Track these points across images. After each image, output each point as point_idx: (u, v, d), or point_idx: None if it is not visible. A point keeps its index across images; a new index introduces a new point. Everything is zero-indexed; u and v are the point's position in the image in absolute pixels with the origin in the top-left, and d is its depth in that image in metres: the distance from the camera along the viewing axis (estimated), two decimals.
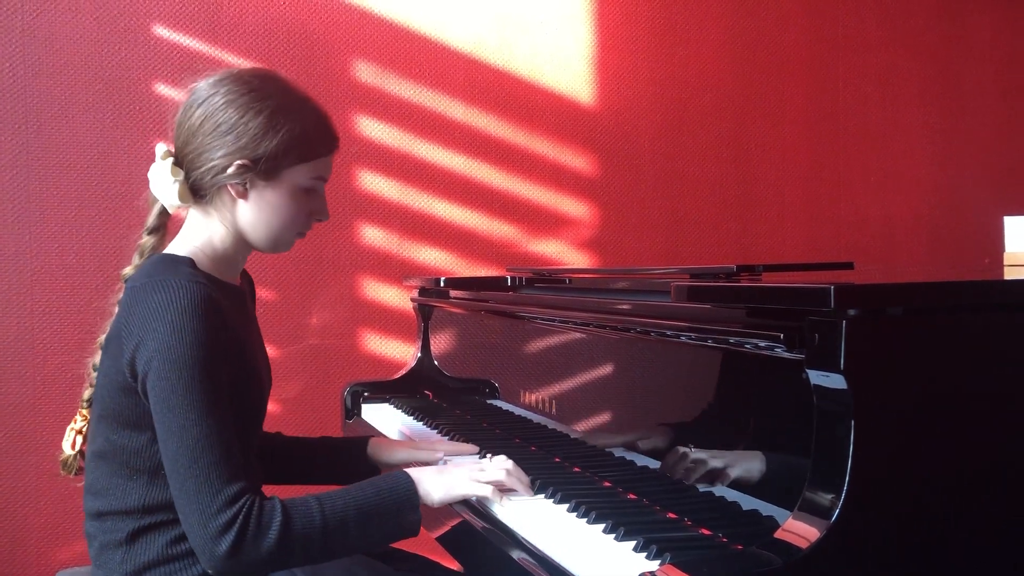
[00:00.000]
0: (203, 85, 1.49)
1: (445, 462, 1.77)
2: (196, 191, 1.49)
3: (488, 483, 1.49)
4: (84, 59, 2.93)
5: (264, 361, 1.62)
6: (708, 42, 3.51)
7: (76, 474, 1.58)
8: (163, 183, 1.48)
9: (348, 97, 3.13)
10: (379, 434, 2.08)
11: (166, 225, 1.56)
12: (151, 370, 1.34)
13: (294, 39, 3.09)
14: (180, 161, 1.49)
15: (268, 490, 1.62)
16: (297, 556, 1.37)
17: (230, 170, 1.45)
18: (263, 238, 1.51)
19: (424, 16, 3.21)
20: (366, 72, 3.16)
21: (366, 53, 3.15)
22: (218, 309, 1.38)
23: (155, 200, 1.53)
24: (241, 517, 1.32)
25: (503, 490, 1.51)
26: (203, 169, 1.46)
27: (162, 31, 2.98)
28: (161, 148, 1.49)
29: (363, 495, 1.42)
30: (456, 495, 1.48)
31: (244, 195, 1.48)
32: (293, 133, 1.46)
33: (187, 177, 1.48)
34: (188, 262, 1.46)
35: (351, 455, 1.80)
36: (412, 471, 1.48)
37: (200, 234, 1.51)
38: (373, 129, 3.16)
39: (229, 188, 1.47)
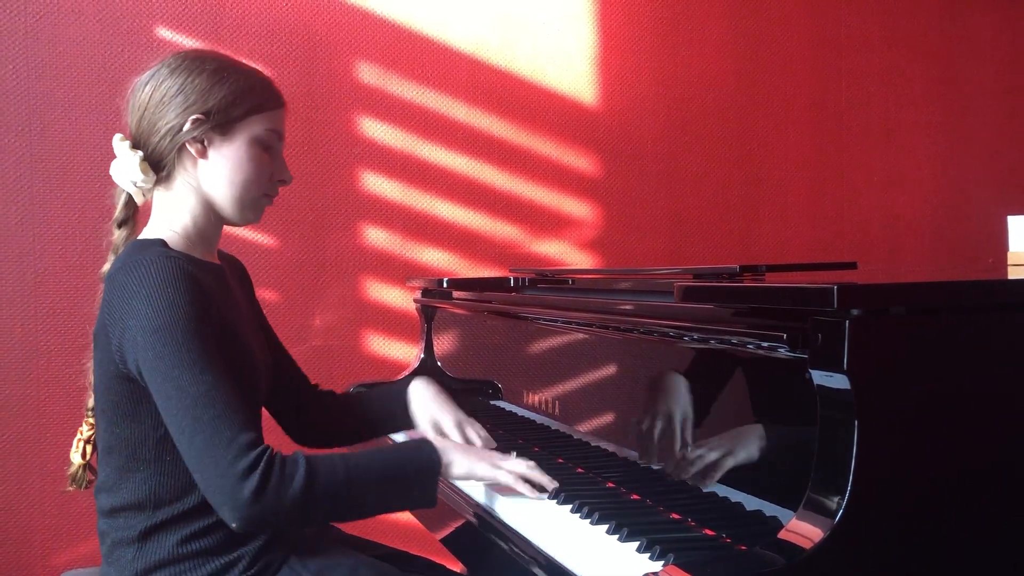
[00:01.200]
0: (146, 73, 1.55)
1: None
2: (157, 164, 1.51)
3: (508, 473, 1.50)
4: (87, 61, 2.93)
5: (260, 343, 1.62)
6: (711, 42, 3.51)
7: (86, 487, 1.58)
8: (124, 166, 1.51)
9: (350, 98, 3.14)
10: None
11: (135, 217, 1.57)
12: (138, 347, 1.35)
13: (297, 40, 3.09)
14: (137, 142, 1.52)
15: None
16: (322, 509, 1.36)
17: (186, 127, 1.48)
18: (229, 200, 1.52)
19: (426, 17, 3.21)
20: (368, 73, 3.16)
21: (368, 54, 3.16)
22: (195, 279, 1.39)
23: (121, 192, 1.55)
24: (264, 462, 1.31)
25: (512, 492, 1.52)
26: (159, 136, 1.49)
27: (165, 32, 2.99)
28: (117, 137, 1.52)
29: (386, 456, 1.43)
30: (476, 475, 1.49)
31: (204, 153, 1.50)
32: (239, 84, 1.51)
33: (146, 153, 1.51)
34: (159, 242, 1.48)
35: (397, 404, 1.79)
36: (437, 441, 1.49)
37: (168, 215, 1.52)
38: (375, 130, 3.16)
39: (189, 149, 1.49)
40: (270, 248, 3.06)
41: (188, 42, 3.00)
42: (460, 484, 1.66)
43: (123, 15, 2.96)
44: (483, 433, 1.74)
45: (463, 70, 3.24)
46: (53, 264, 2.91)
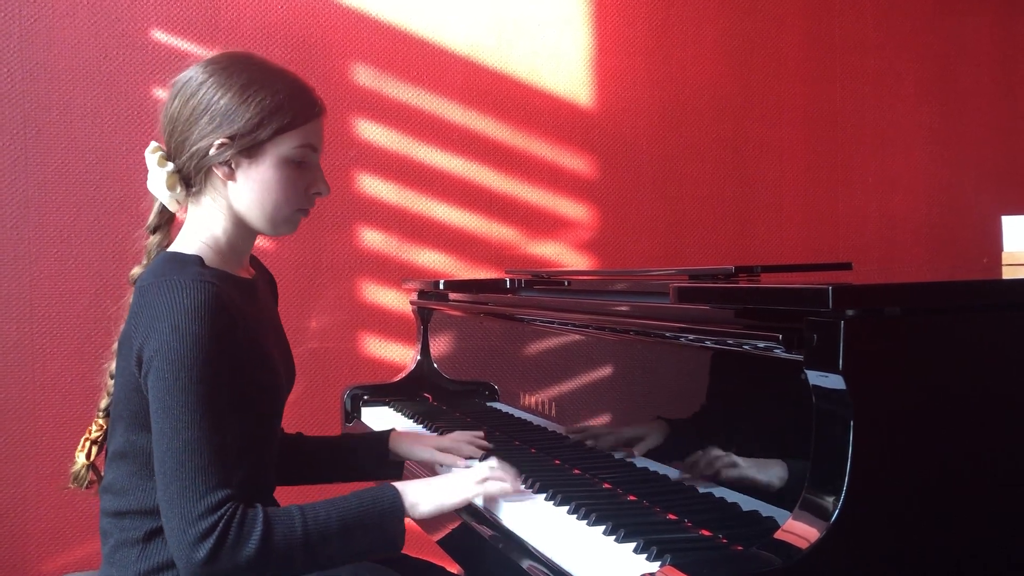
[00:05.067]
0: (182, 76, 1.50)
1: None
2: (187, 181, 1.49)
3: (476, 485, 1.50)
4: (82, 64, 2.93)
5: (284, 355, 1.62)
6: (705, 43, 3.52)
7: (87, 487, 1.58)
8: (154, 177, 1.50)
9: (346, 100, 3.14)
10: None
11: (169, 224, 1.56)
12: (151, 369, 1.34)
13: (292, 43, 3.09)
14: (169, 154, 1.50)
15: (294, 492, 1.62)
16: (276, 566, 1.35)
17: (212, 152, 1.45)
18: (261, 219, 1.50)
19: (421, 19, 3.21)
20: (364, 75, 3.16)
21: (364, 56, 3.16)
22: (225, 309, 1.37)
23: (155, 199, 1.54)
24: (221, 525, 1.31)
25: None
26: (187, 155, 1.46)
27: (160, 35, 2.99)
28: (151, 147, 1.51)
29: (346, 506, 1.40)
30: (446, 506, 1.47)
31: (232, 176, 1.47)
32: (265, 104, 1.45)
33: (177, 167, 1.49)
34: (196, 260, 1.46)
35: (373, 451, 1.80)
36: (397, 484, 1.47)
37: (201, 228, 1.51)
38: (371, 132, 3.16)
39: (217, 171, 1.47)
40: (266, 250, 3.06)
41: (183, 45, 3.00)
42: None
43: (118, 18, 2.95)
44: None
45: (459, 72, 3.25)
46: (48, 267, 2.91)
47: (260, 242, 3.02)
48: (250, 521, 1.33)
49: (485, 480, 1.50)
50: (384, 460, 1.80)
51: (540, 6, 3.32)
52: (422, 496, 1.45)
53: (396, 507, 1.42)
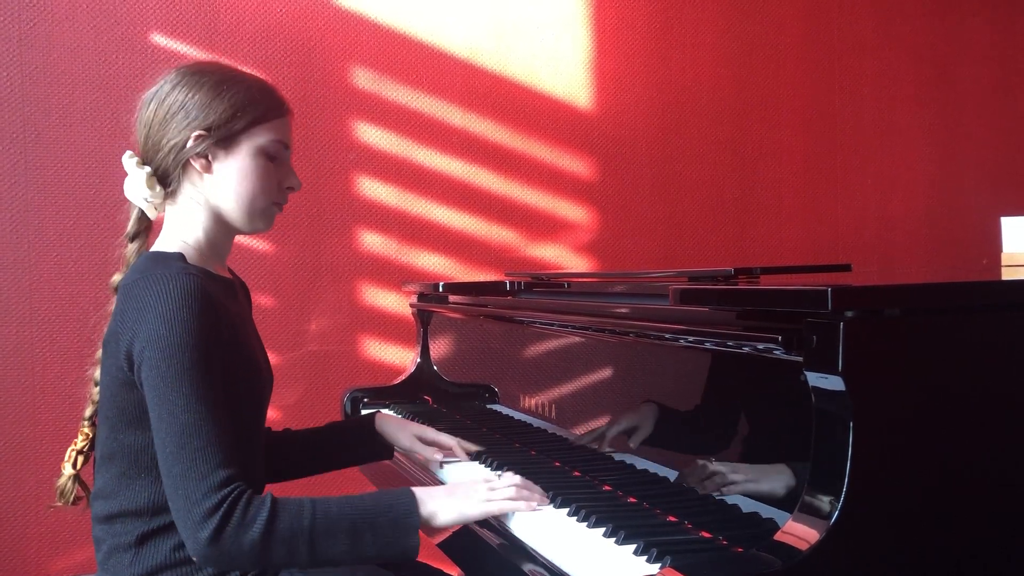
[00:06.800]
0: (152, 87, 1.55)
1: (440, 464, 1.79)
2: (164, 180, 1.53)
3: (502, 500, 1.46)
4: (82, 67, 2.93)
5: (264, 358, 1.62)
6: (705, 45, 3.52)
7: (74, 503, 1.59)
8: (133, 182, 1.53)
9: (345, 103, 3.14)
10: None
11: (147, 232, 1.58)
12: (144, 360, 1.36)
13: (291, 46, 3.09)
14: (145, 158, 1.54)
15: (289, 487, 1.62)
16: (280, 555, 1.34)
17: (189, 144, 1.49)
18: (238, 211, 1.53)
19: (421, 21, 3.21)
20: (363, 78, 3.16)
21: (363, 59, 3.16)
22: (211, 299, 1.39)
23: (133, 206, 1.57)
24: (227, 504, 1.31)
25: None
26: (164, 152, 1.51)
27: (159, 39, 2.99)
28: (126, 154, 1.55)
29: (361, 506, 1.38)
30: (468, 517, 1.44)
31: (208, 168, 1.51)
32: (238, 98, 1.51)
33: (153, 169, 1.53)
34: (178, 256, 1.49)
35: (361, 436, 1.85)
36: (418, 490, 1.43)
37: (181, 228, 1.54)
38: (371, 135, 3.16)
39: (194, 164, 1.50)
40: (266, 253, 3.06)
41: (182, 48, 3.00)
42: None
43: (117, 21, 2.96)
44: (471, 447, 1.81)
45: (458, 75, 3.25)
46: (47, 272, 2.91)
47: (259, 245, 3.04)
48: (256, 504, 1.33)
49: (512, 498, 1.46)
50: (373, 443, 1.85)
51: (539, 9, 3.33)
52: (443, 505, 1.42)
53: (411, 515, 1.39)
